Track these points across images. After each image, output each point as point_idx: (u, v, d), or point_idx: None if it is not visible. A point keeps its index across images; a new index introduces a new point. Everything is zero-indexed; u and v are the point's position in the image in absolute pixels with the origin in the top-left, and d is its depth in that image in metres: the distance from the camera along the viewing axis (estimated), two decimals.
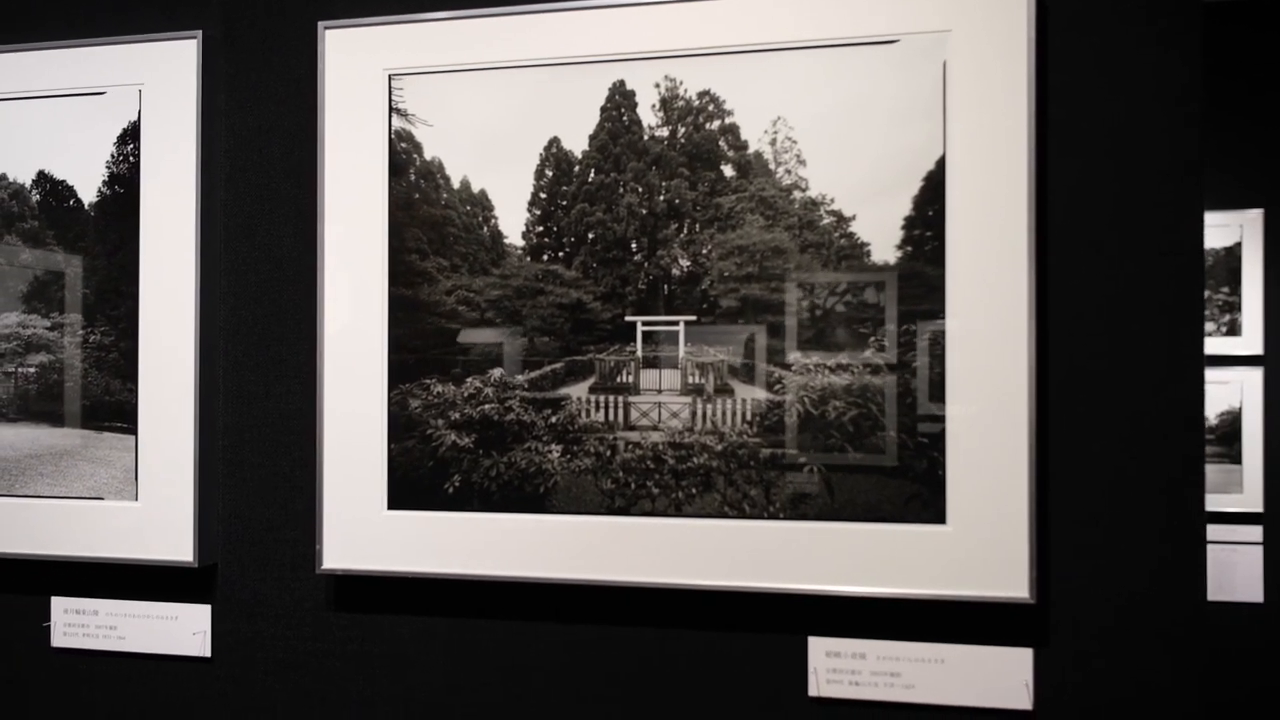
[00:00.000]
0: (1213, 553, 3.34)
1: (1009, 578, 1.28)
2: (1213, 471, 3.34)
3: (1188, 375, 1.29)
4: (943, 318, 1.30)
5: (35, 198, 1.62)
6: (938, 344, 1.31)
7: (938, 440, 1.30)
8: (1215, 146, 3.32)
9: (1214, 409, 3.34)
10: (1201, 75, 1.30)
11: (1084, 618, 1.33)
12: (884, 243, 1.32)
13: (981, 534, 1.29)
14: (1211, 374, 3.33)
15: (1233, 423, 3.34)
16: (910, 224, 1.32)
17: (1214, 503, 3.34)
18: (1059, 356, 1.32)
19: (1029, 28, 1.28)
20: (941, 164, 1.30)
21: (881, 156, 1.32)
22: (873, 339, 1.33)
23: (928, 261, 1.31)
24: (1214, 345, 3.34)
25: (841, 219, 1.34)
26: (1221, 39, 3.27)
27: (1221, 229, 3.34)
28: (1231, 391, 3.34)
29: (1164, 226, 1.30)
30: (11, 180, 1.62)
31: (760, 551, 1.35)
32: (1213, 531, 3.33)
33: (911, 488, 1.31)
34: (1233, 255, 3.34)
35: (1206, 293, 3.31)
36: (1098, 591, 1.32)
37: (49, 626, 1.64)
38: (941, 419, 1.30)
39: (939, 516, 1.30)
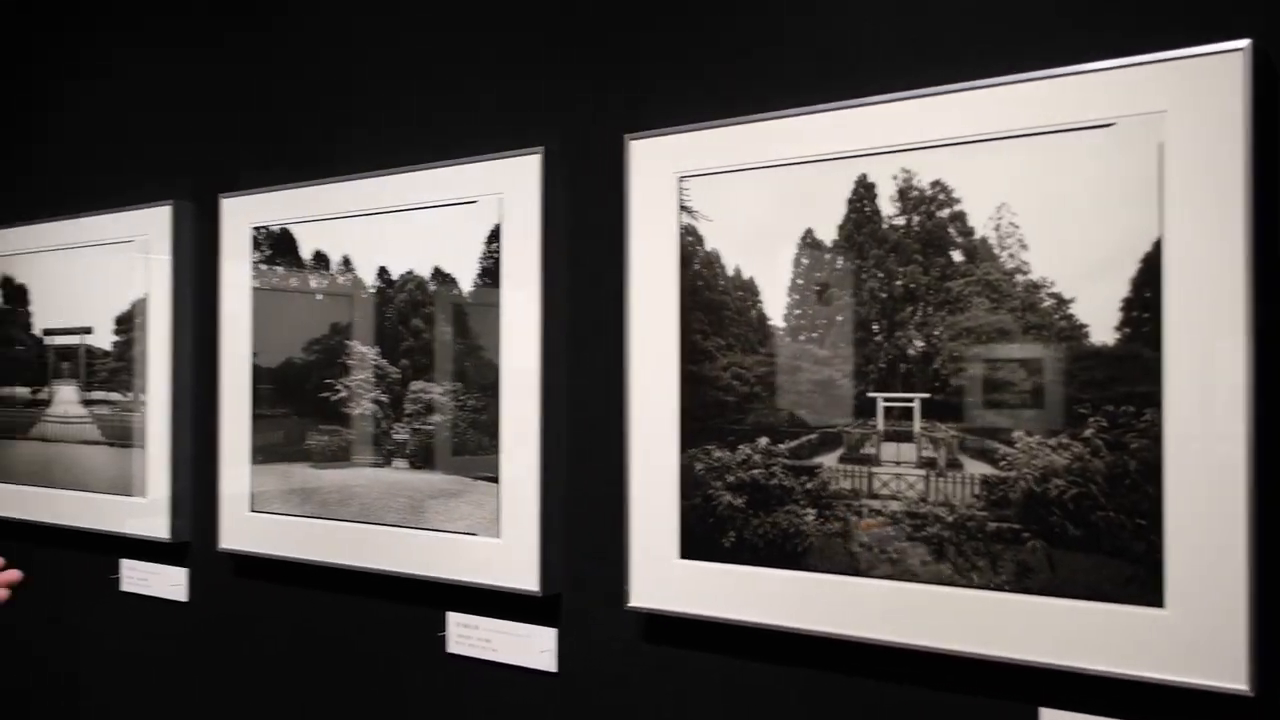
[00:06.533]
0: None
1: (1226, 666, 1.25)
2: None
3: None
4: (1160, 400, 1.30)
5: (432, 288, 2.01)
6: (1155, 425, 1.30)
7: (1157, 522, 1.30)
8: None
9: None
10: None
11: None
12: (1102, 324, 1.34)
13: (1200, 620, 1.27)
14: None
15: None
16: (1128, 305, 1.32)
17: None
18: None
19: (1245, 104, 1.24)
20: (1158, 246, 1.30)
21: (1099, 239, 1.34)
22: (1092, 419, 1.34)
23: (1145, 343, 1.31)
24: None
25: (1061, 301, 1.37)
26: None
27: None
28: None
29: None
30: (415, 274, 2.03)
31: (988, 619, 1.41)
32: None
33: (1130, 569, 1.31)
34: None
35: None
36: None
37: (443, 636, 2.02)
38: (1159, 502, 1.29)
39: (1157, 599, 1.29)
